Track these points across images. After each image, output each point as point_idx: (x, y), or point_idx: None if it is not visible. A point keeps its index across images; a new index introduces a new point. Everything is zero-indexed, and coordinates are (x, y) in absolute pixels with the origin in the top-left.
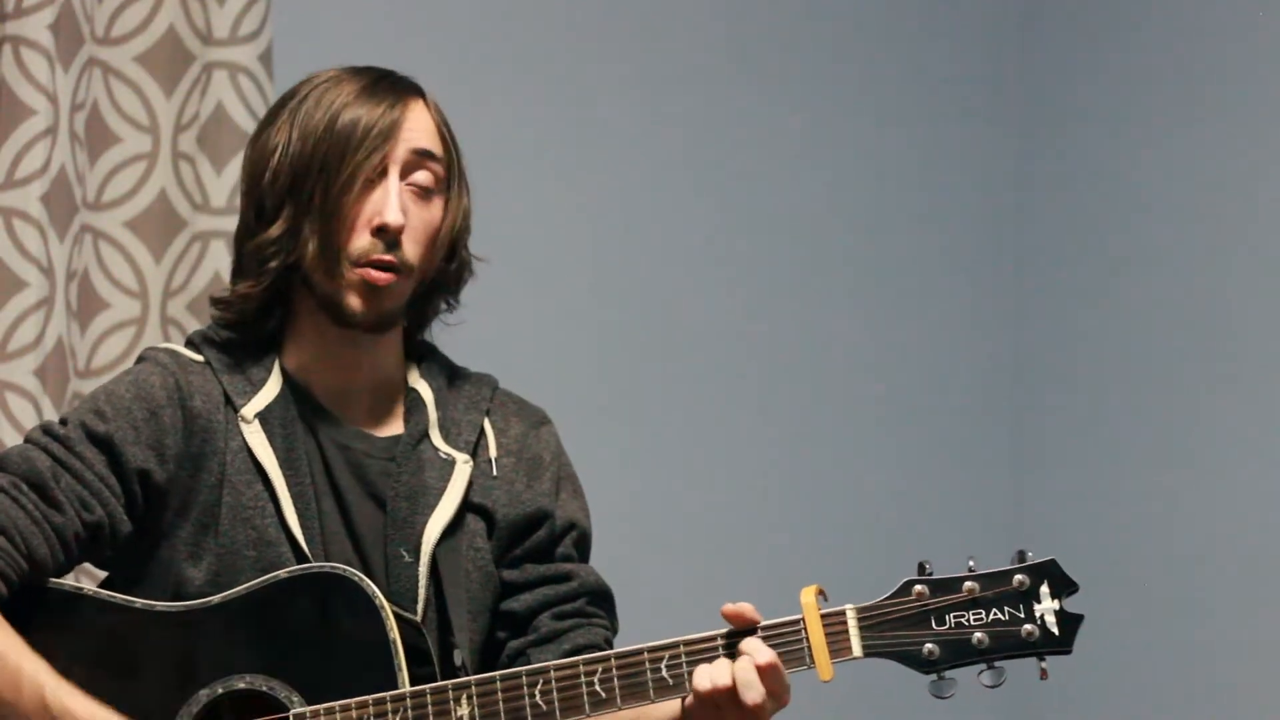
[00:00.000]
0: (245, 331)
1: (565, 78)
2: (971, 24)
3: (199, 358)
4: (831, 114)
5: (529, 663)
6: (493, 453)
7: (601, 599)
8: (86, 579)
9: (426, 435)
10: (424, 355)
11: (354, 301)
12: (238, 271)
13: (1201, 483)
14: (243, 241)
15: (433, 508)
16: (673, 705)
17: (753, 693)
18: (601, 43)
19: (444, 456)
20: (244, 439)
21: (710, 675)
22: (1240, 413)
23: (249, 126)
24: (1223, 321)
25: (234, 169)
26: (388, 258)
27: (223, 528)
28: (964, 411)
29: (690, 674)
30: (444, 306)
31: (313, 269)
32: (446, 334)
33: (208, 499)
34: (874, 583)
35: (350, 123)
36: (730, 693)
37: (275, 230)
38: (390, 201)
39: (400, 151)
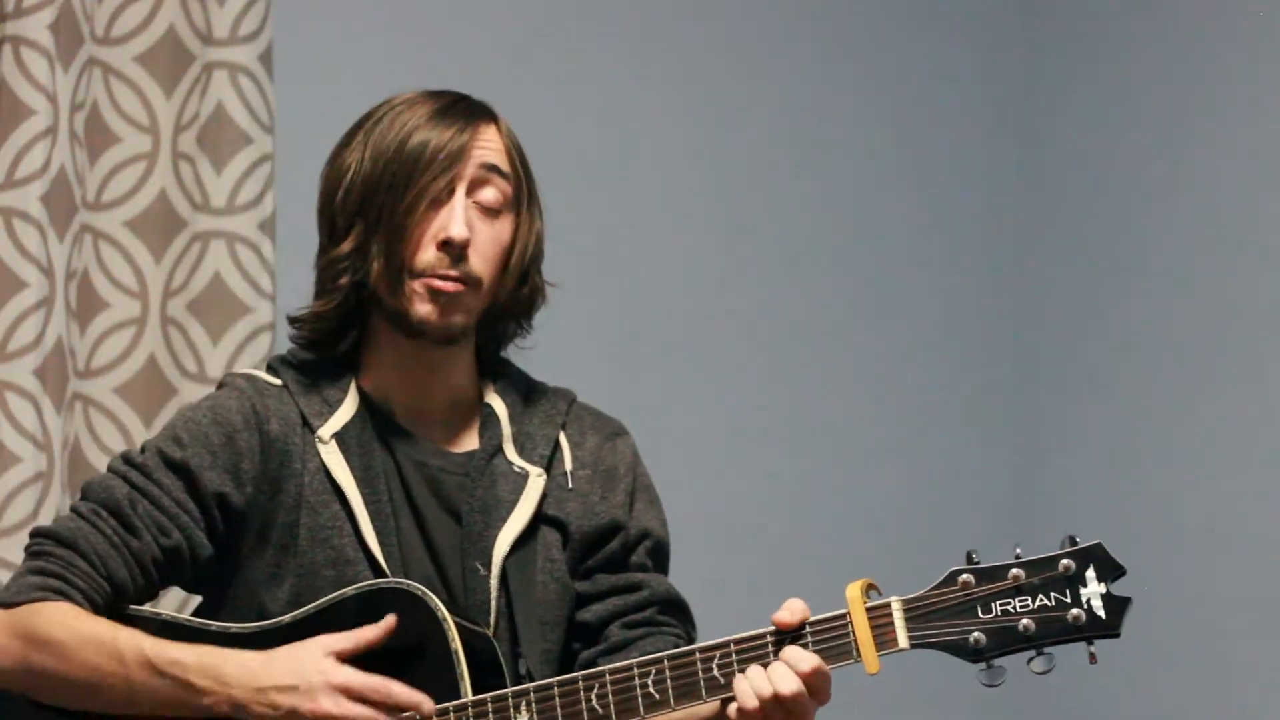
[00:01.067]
0: (322, 353)
1: (566, 78)
2: (971, 24)
3: (276, 381)
4: (832, 114)
5: None
6: (568, 465)
7: (674, 608)
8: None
9: (500, 450)
10: (500, 373)
11: (421, 309)
12: (316, 290)
13: (1203, 482)
14: (318, 259)
15: (505, 520)
16: (713, 705)
17: (793, 692)
18: (601, 43)
19: (518, 470)
20: (321, 460)
21: (752, 687)
22: (1241, 412)
23: (249, 126)
24: (1223, 321)
25: (234, 169)
26: (453, 271)
27: (301, 548)
28: (964, 411)
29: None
30: (516, 330)
31: (379, 284)
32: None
33: (286, 521)
34: (882, 580)
35: (420, 144)
36: (774, 699)
37: (345, 247)
38: (455, 216)
39: (468, 170)
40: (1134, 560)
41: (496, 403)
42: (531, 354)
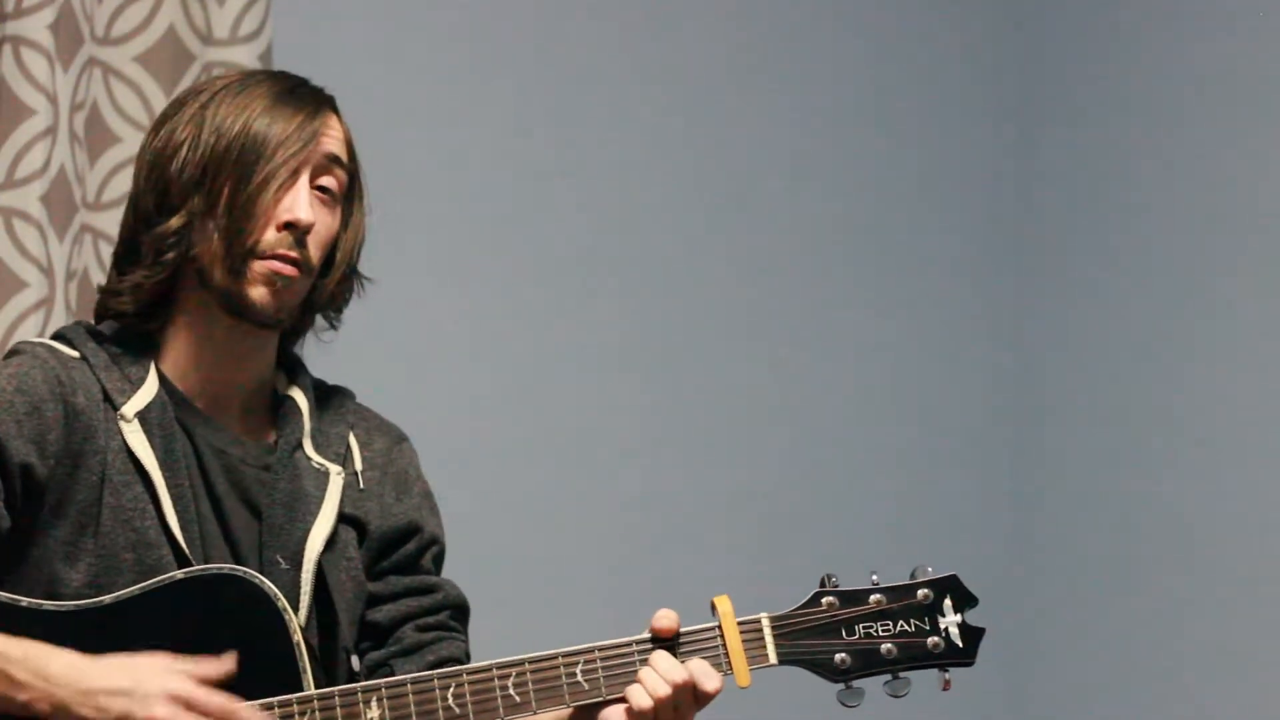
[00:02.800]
0: (123, 329)
1: (566, 79)
2: (971, 24)
3: (75, 353)
4: (832, 114)
5: (391, 673)
6: (359, 466)
7: (462, 614)
8: None
9: (300, 445)
10: (294, 365)
11: (258, 293)
12: (129, 261)
13: (1206, 483)
14: (136, 231)
15: (313, 515)
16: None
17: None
18: (601, 45)
19: (318, 467)
20: (124, 438)
21: (648, 688)
22: (1241, 412)
23: None
24: (1224, 321)
25: None
26: (294, 254)
27: (103, 529)
28: (965, 411)
29: (605, 681)
30: (326, 324)
31: (213, 262)
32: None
33: (87, 498)
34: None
35: (268, 124)
36: (668, 700)
37: (176, 222)
38: (300, 199)
39: (314, 156)
40: (1135, 559)
41: (299, 396)
42: (538, 355)
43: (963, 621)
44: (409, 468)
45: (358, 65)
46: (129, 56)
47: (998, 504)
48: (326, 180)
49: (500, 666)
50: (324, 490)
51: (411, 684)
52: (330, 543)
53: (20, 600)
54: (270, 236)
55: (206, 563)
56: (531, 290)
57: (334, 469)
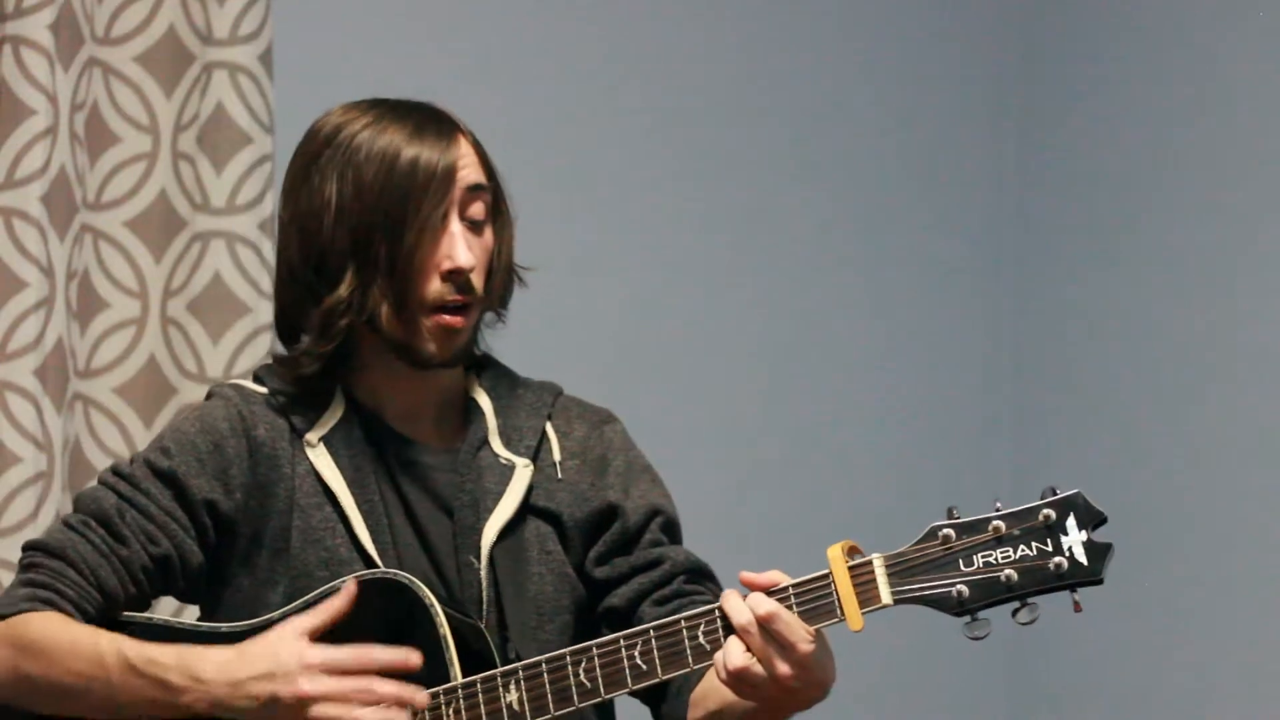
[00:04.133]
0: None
1: (567, 79)
2: (971, 24)
3: (262, 390)
4: (832, 114)
5: None
6: (556, 456)
7: (699, 574)
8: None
9: (486, 442)
10: (483, 366)
11: (431, 347)
12: (296, 328)
13: (1205, 482)
14: (302, 300)
15: (491, 511)
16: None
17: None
18: (601, 44)
19: (504, 462)
20: (310, 463)
21: (724, 657)
22: (1242, 412)
23: (249, 126)
24: (1225, 321)
25: (234, 169)
26: (460, 298)
27: (294, 550)
28: (965, 411)
29: (726, 640)
30: (500, 317)
31: (384, 321)
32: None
33: (278, 524)
34: None
35: (407, 174)
36: (756, 622)
37: (344, 290)
38: (459, 244)
39: (457, 193)
40: (1135, 560)
41: (482, 397)
42: (537, 354)
43: (1088, 539)
44: (608, 450)
45: (358, 65)
46: (129, 56)
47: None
48: (473, 210)
49: (627, 638)
50: (505, 484)
51: (546, 664)
52: (508, 534)
53: (200, 625)
54: (435, 287)
55: (402, 570)
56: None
57: (521, 462)
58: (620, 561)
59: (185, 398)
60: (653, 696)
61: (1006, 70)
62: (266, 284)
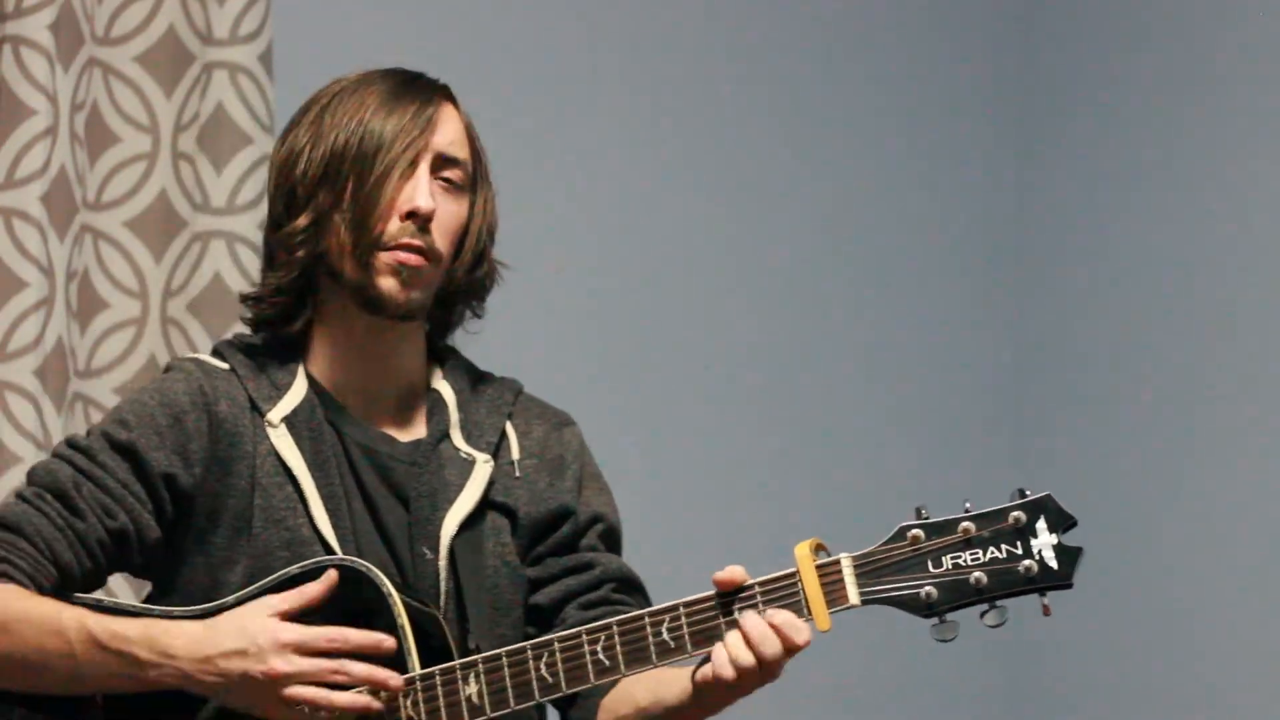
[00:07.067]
0: (271, 336)
1: (566, 78)
2: (971, 24)
3: (224, 365)
4: (832, 114)
5: None
6: (515, 454)
7: (629, 586)
8: (131, 592)
9: (447, 435)
10: (446, 359)
11: (386, 283)
12: (267, 267)
13: (1204, 482)
14: (269, 236)
15: (451, 503)
16: (684, 683)
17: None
18: (601, 43)
19: (464, 456)
20: (271, 443)
21: (731, 657)
22: (1242, 412)
23: (249, 126)
24: (1224, 320)
25: (234, 169)
26: (418, 242)
27: (255, 530)
28: (965, 412)
29: (691, 638)
30: (469, 314)
31: (341, 257)
32: (466, 340)
33: (238, 503)
34: None
35: (383, 119)
36: (755, 666)
37: (303, 220)
38: (420, 187)
39: (431, 148)
40: (1134, 559)
41: (444, 389)
42: (534, 351)
43: (1058, 543)
44: (566, 452)
45: (358, 65)
46: (129, 56)
47: (998, 503)
48: (449, 171)
49: (589, 632)
50: (466, 478)
51: (507, 656)
52: (468, 528)
53: (153, 609)
54: (393, 227)
55: (360, 558)
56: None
57: (481, 458)
58: (553, 562)
59: None
60: (563, 700)
61: (1006, 70)
62: None
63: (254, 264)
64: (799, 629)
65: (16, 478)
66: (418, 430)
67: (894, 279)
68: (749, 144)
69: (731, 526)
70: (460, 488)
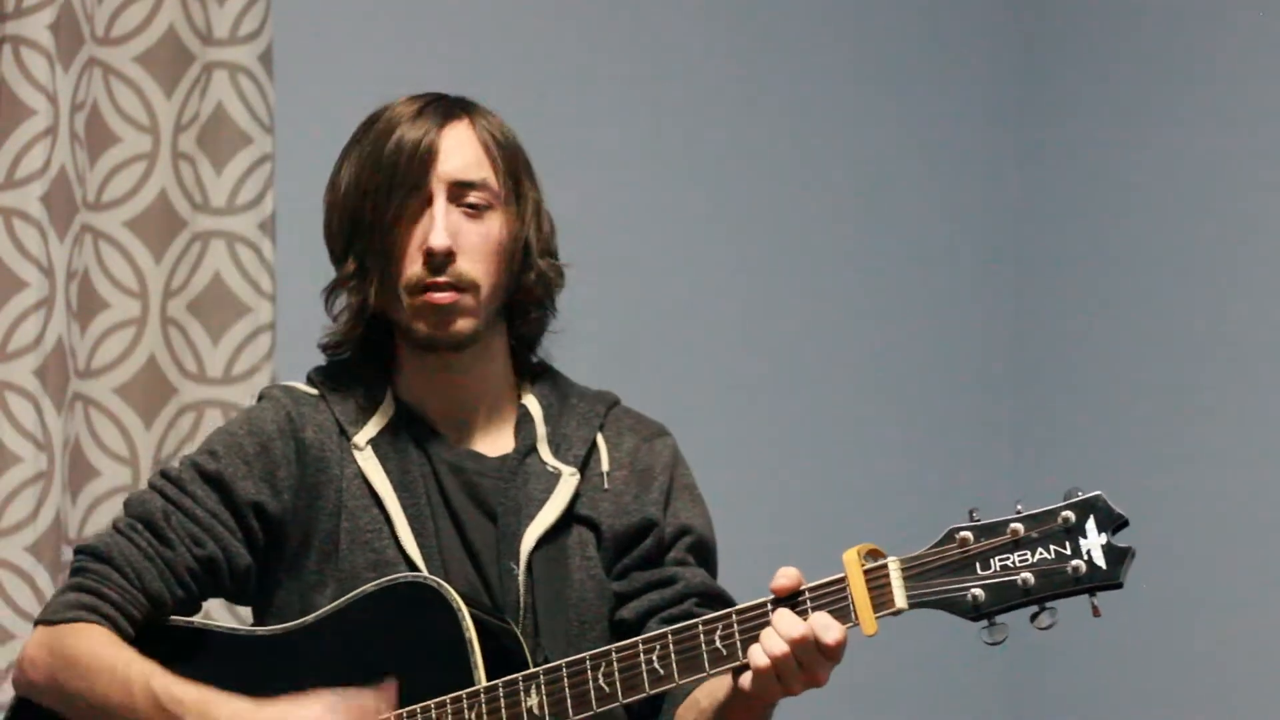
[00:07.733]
0: (363, 358)
1: (566, 77)
2: (972, 24)
3: (313, 391)
4: (833, 113)
5: None
6: (605, 466)
7: (711, 599)
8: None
9: (534, 449)
10: (538, 374)
11: (421, 326)
12: (329, 313)
13: (1204, 482)
14: (329, 284)
15: (533, 517)
16: (726, 682)
17: (782, 654)
18: (602, 42)
19: (550, 469)
20: (358, 466)
21: (765, 648)
22: (1241, 411)
23: (249, 126)
24: (1224, 320)
25: (234, 169)
26: (443, 279)
27: (342, 553)
28: (965, 411)
29: (743, 645)
30: (544, 318)
31: (384, 303)
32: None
33: (327, 526)
34: None
35: (392, 155)
36: (788, 658)
37: (348, 269)
38: (436, 225)
39: (442, 180)
40: (1135, 559)
41: (532, 403)
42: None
43: (1108, 543)
44: (656, 463)
45: (358, 65)
46: (129, 56)
47: (998, 503)
48: (469, 196)
49: (645, 642)
50: (550, 491)
51: (566, 668)
52: (549, 541)
53: (239, 629)
54: (416, 270)
55: (446, 577)
56: None
57: (567, 471)
58: (637, 576)
59: (185, 398)
60: (646, 709)
61: (1006, 69)
62: (266, 284)
63: (254, 264)
64: (829, 628)
65: (17, 477)
66: (505, 445)
67: (893, 279)
68: (749, 144)
69: (732, 526)
70: (543, 501)
